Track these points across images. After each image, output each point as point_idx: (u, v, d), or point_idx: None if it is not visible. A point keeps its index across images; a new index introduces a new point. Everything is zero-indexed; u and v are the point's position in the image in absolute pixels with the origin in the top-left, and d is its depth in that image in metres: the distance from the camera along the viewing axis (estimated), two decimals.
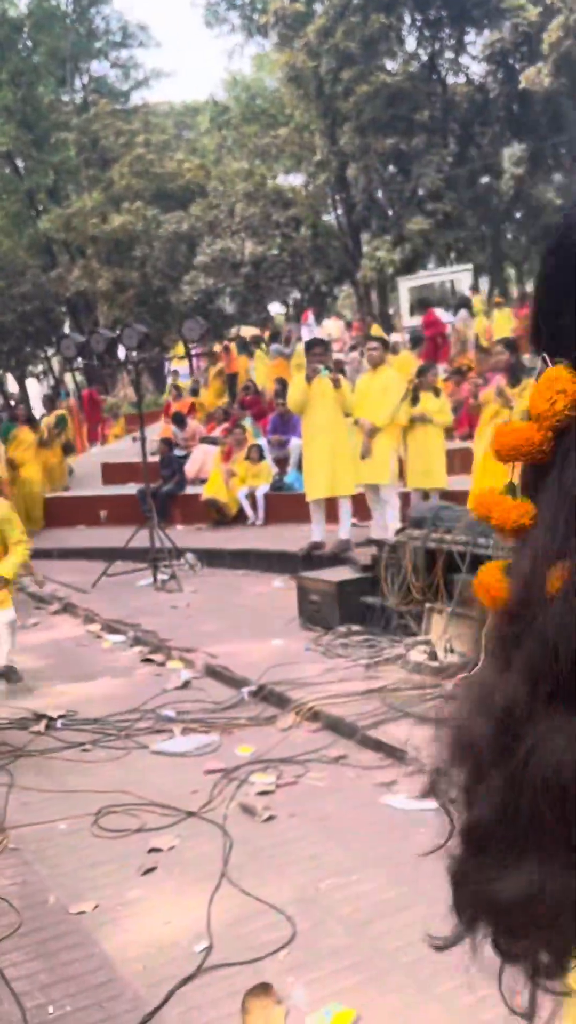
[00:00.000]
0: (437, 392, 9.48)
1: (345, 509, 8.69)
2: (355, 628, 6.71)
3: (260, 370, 17.38)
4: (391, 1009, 2.79)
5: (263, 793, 4.37)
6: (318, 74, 22.35)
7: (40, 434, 13.91)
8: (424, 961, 3.01)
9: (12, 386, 37.77)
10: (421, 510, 6.93)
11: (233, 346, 18.66)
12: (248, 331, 21.87)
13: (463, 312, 17.97)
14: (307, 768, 4.65)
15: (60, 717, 5.59)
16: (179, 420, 15.23)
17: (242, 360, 18.09)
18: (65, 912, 3.44)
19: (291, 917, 3.31)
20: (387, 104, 21.61)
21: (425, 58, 24.32)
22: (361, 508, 9.17)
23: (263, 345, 18.88)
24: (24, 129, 29.81)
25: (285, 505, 11.38)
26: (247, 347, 18.30)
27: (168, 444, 13.73)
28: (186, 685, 6.15)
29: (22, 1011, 2.87)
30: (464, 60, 25.13)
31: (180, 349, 23.12)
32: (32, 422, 12.19)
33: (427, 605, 6.19)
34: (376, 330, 16.69)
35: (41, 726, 5.44)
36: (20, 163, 31.28)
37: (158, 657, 6.88)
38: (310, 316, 19.35)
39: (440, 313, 21.29)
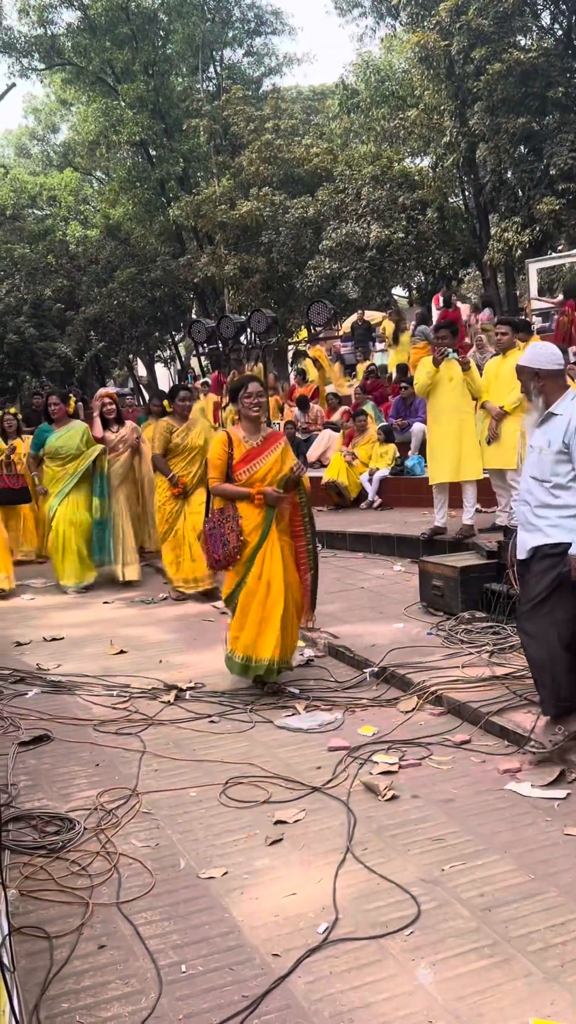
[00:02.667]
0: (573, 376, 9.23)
1: (469, 494, 8.56)
2: (478, 615, 6.63)
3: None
4: (518, 996, 2.77)
5: (386, 773, 4.38)
6: (449, 53, 21.88)
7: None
8: (553, 950, 2.98)
9: (141, 370, 38.77)
10: None
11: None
12: (372, 315, 21.72)
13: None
14: (430, 751, 4.64)
15: (188, 689, 5.74)
16: (303, 404, 15.31)
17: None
18: (195, 877, 3.55)
19: (416, 897, 3.32)
20: (520, 82, 20.98)
21: (561, 33, 23.51)
22: (483, 494, 9.02)
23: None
24: (157, 118, 30.38)
25: (406, 489, 11.32)
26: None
27: (293, 427, 13.85)
28: (308, 663, 6.21)
29: (156, 968, 2.98)
30: None
31: (303, 334, 23.23)
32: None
33: None
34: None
35: (171, 696, 5.61)
36: (152, 152, 31.91)
37: None
38: (440, 300, 19.05)
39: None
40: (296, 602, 5.62)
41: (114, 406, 9.35)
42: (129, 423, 9.54)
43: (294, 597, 5.59)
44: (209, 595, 8.23)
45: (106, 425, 9.23)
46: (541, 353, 4.56)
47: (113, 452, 9.12)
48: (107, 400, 9.38)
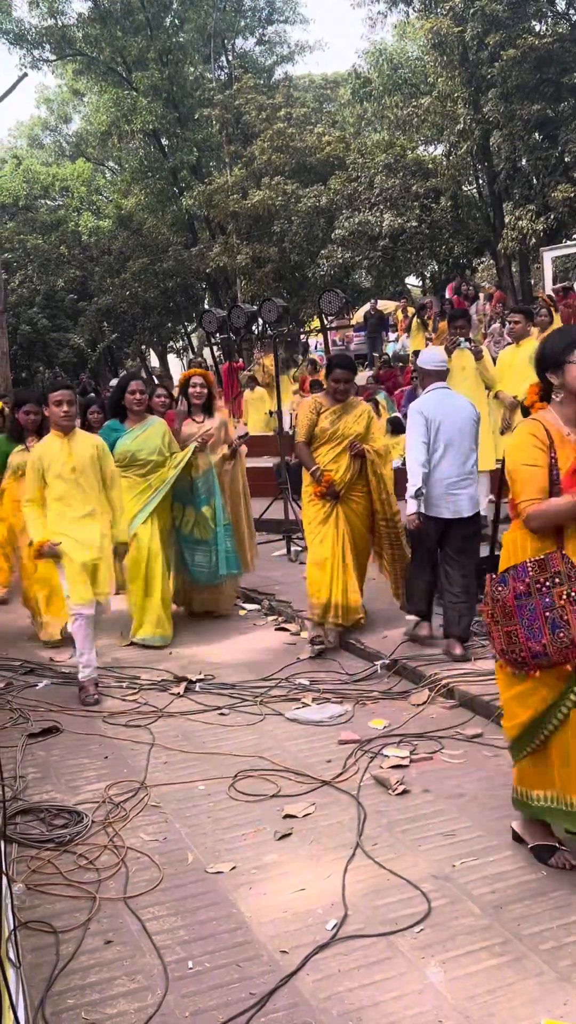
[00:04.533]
0: None
1: (483, 485, 8.47)
2: None
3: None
4: (530, 995, 2.72)
5: (397, 767, 4.33)
6: (463, 40, 21.67)
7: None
8: (565, 948, 2.93)
9: (153, 360, 38.75)
10: None
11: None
12: (385, 305, 21.61)
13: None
14: (442, 745, 4.59)
15: (198, 681, 5.71)
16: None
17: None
18: (203, 871, 3.52)
19: (426, 893, 3.27)
20: (535, 68, 20.75)
21: None
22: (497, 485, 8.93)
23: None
24: (170, 107, 30.25)
25: None
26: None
27: None
28: (319, 655, 6.16)
29: (163, 964, 2.95)
30: None
31: (316, 323, 23.12)
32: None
33: None
34: None
35: (180, 688, 5.58)
36: (164, 141, 31.79)
37: (292, 627, 6.93)
38: (452, 289, 18.97)
39: None
40: None
41: (206, 390, 7.07)
42: (219, 416, 7.27)
43: None
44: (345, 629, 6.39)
45: (189, 412, 7.12)
46: (427, 353, 5.69)
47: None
48: (197, 381, 7.09)
